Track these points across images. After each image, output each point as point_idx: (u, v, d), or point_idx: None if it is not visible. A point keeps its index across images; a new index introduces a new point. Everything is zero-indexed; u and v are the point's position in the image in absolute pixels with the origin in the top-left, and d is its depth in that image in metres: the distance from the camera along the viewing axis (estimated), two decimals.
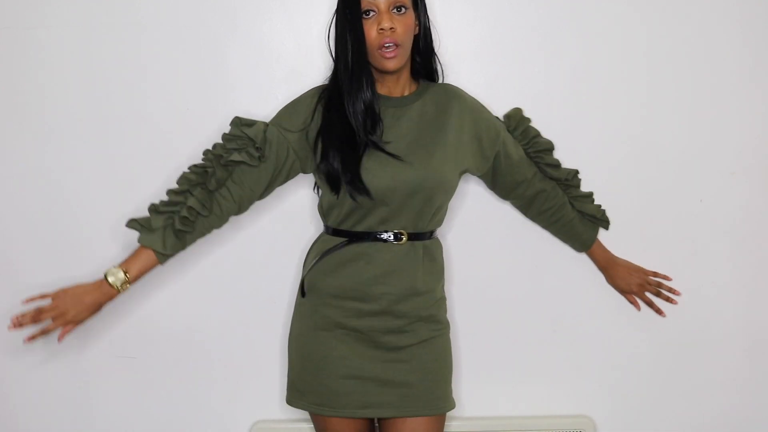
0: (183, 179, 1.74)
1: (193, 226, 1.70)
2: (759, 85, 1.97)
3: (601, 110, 1.97)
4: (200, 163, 1.74)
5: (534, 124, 1.93)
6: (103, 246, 2.03)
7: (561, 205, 1.89)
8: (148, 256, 1.70)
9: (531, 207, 1.91)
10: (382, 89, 1.70)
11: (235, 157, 1.70)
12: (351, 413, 1.69)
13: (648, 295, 2.00)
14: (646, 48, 1.95)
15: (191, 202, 1.69)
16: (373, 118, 1.66)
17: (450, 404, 1.74)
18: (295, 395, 1.75)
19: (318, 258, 1.72)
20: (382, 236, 1.67)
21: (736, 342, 2.07)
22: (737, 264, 2.04)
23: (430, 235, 1.73)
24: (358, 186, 1.62)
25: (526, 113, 1.94)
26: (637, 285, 1.98)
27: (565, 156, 1.97)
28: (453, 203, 1.91)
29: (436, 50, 1.76)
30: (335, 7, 1.68)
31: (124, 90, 1.96)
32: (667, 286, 1.99)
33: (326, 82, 1.74)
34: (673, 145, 1.99)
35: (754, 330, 2.07)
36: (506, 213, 1.99)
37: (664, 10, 1.94)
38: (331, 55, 1.71)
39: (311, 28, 1.92)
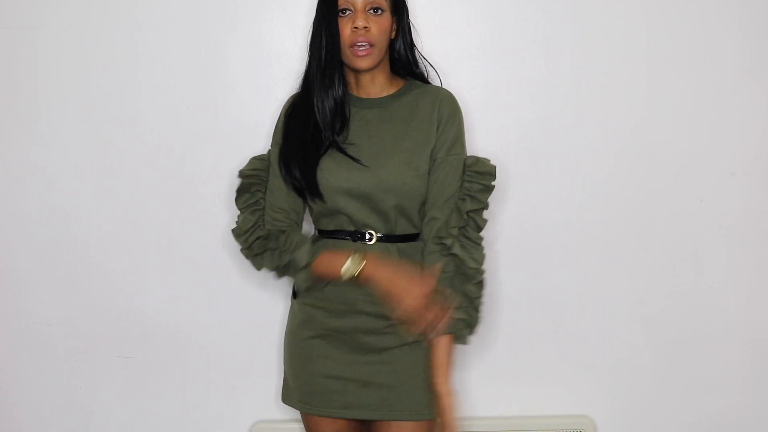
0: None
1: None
2: (759, 84, 1.97)
3: (601, 110, 1.97)
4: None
5: (534, 123, 1.93)
6: (102, 246, 2.03)
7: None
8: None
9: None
10: (357, 90, 1.70)
11: (242, 199, 1.73)
12: (332, 413, 1.69)
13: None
14: (646, 48, 1.95)
15: (267, 259, 1.71)
16: (342, 117, 1.66)
17: (435, 411, 1.69)
18: (286, 393, 1.77)
19: None
20: (351, 236, 1.67)
21: (736, 342, 2.07)
22: (737, 264, 2.04)
23: (406, 238, 1.68)
24: (310, 187, 1.64)
25: (527, 112, 1.94)
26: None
27: (566, 156, 1.98)
28: None
29: (421, 54, 1.75)
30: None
31: (124, 90, 1.96)
32: None
33: (299, 90, 1.73)
34: (673, 145, 1.99)
35: (754, 330, 2.07)
36: (506, 213, 1.99)
37: (664, 10, 1.94)
38: (308, 52, 1.69)
39: (311, 28, 1.91)
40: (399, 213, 1.66)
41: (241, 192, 1.73)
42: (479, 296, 1.67)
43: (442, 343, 1.65)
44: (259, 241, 1.70)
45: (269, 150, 1.76)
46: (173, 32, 1.94)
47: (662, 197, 2.01)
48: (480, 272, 1.66)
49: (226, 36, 1.94)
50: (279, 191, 1.72)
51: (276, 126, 1.75)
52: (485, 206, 1.68)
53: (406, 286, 1.60)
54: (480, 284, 1.67)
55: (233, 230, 1.73)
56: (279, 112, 1.75)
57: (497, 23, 1.94)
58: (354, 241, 1.66)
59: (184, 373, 2.08)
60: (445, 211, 1.66)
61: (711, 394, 2.08)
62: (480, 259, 1.66)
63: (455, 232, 1.65)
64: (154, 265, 2.03)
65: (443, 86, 1.76)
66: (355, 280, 1.62)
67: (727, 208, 2.01)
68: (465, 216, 1.65)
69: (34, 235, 2.03)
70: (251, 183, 1.73)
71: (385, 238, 1.67)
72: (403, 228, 1.68)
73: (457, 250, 1.64)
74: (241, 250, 1.74)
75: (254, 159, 1.76)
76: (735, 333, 2.07)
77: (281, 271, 1.71)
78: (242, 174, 1.73)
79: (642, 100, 1.97)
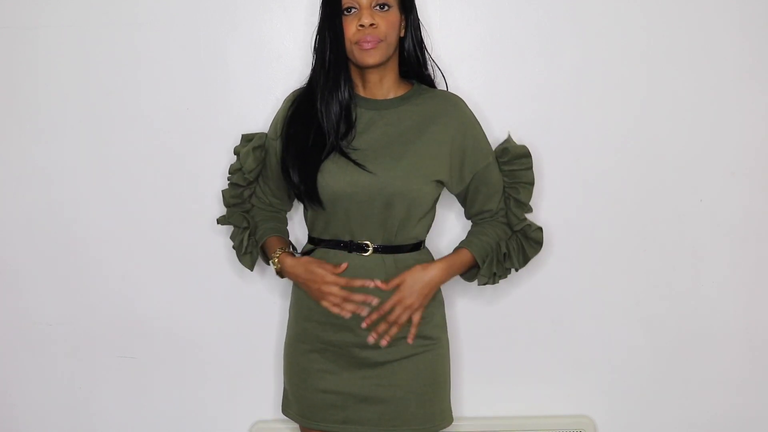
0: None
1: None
2: (759, 84, 1.97)
3: (601, 110, 1.97)
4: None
5: (534, 123, 1.93)
6: (102, 246, 2.03)
7: (497, 232, 1.75)
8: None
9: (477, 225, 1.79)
10: (364, 91, 1.65)
11: (234, 181, 1.74)
12: (331, 427, 1.67)
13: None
14: (646, 48, 1.95)
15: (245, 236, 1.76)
16: (347, 120, 1.61)
17: (440, 423, 1.68)
18: (286, 404, 1.76)
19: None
20: (347, 247, 1.62)
21: (736, 342, 2.07)
22: (737, 264, 2.04)
23: (405, 249, 1.65)
24: (309, 192, 1.59)
25: (527, 112, 1.94)
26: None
27: (566, 156, 1.98)
28: (451, 204, 1.91)
29: (429, 53, 1.71)
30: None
31: (124, 90, 1.96)
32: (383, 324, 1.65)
33: (304, 85, 1.70)
34: (673, 145, 1.99)
35: (754, 330, 2.07)
36: None
37: (664, 10, 1.94)
38: (313, 54, 1.65)
39: (311, 28, 1.91)
40: (403, 222, 1.62)
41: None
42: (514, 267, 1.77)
43: (462, 254, 1.70)
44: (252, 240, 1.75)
45: (260, 135, 1.74)
46: (173, 32, 1.94)
47: (662, 197, 2.01)
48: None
49: (226, 36, 1.94)
50: (272, 182, 1.74)
51: (276, 118, 1.72)
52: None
53: (314, 279, 1.62)
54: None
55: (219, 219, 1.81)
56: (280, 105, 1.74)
57: (497, 23, 1.94)
58: (349, 252, 1.63)
59: (183, 373, 2.08)
60: (498, 202, 1.74)
61: (711, 395, 2.08)
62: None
63: (524, 218, 1.75)
64: (154, 265, 2.03)
65: (449, 89, 1.76)
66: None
67: (727, 208, 2.01)
68: (527, 204, 1.75)
69: (34, 235, 2.03)
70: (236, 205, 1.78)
71: (381, 249, 1.63)
72: (402, 238, 1.64)
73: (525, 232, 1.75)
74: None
75: (236, 182, 1.74)
76: (735, 333, 2.07)
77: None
78: (227, 203, 1.77)
79: (642, 100, 1.97)
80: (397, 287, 1.61)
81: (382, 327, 1.62)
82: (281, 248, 1.70)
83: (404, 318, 1.62)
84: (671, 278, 2.03)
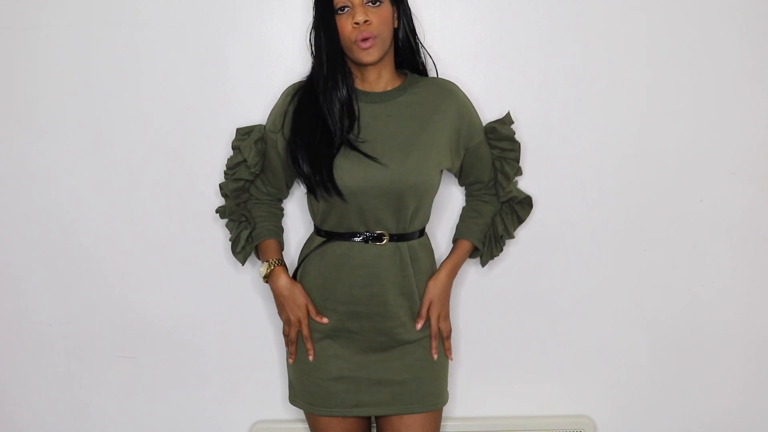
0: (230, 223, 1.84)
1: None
2: (760, 84, 1.97)
3: (602, 110, 1.97)
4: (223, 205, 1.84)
5: (534, 123, 1.93)
6: (102, 246, 2.03)
7: (490, 209, 1.84)
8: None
9: (470, 196, 1.88)
10: (362, 85, 1.68)
11: (238, 176, 1.76)
12: (343, 412, 1.70)
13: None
14: (647, 48, 1.95)
15: (243, 231, 1.81)
16: (350, 116, 1.64)
17: (444, 399, 1.75)
18: (293, 394, 1.77)
19: (303, 259, 1.74)
20: (362, 237, 1.66)
21: (736, 342, 2.07)
22: (737, 264, 2.04)
23: (415, 235, 1.71)
24: (328, 187, 1.61)
25: (527, 112, 1.94)
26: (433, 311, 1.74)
27: (566, 156, 1.98)
28: (450, 203, 1.91)
29: (421, 43, 1.74)
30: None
31: (124, 90, 1.96)
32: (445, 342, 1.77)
33: (304, 79, 1.72)
34: (674, 145, 1.99)
35: (754, 330, 2.07)
36: None
37: (665, 10, 1.94)
38: (311, 53, 1.69)
39: (311, 29, 1.91)
40: (415, 211, 1.67)
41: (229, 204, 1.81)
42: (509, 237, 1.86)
43: (463, 246, 1.80)
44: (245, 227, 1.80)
45: (259, 127, 1.75)
46: (173, 32, 1.94)
47: (662, 197, 2.01)
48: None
49: (226, 36, 1.94)
50: (269, 173, 1.76)
51: (274, 111, 1.74)
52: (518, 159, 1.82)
53: (290, 311, 1.71)
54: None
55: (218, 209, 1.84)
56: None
57: (497, 23, 1.94)
58: (366, 242, 1.66)
59: (184, 373, 2.08)
60: (490, 173, 1.81)
61: (711, 395, 2.08)
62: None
63: (510, 189, 1.81)
64: (154, 264, 2.03)
65: (439, 76, 1.78)
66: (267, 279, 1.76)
67: (727, 208, 2.01)
68: (513, 179, 1.82)
69: (34, 235, 2.03)
70: (236, 204, 1.80)
71: (396, 238, 1.67)
72: (415, 226, 1.69)
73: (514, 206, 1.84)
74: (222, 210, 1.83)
75: (240, 176, 1.76)
76: (735, 333, 2.07)
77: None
78: (227, 194, 1.79)
79: (642, 100, 1.97)
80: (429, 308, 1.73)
81: (435, 344, 1.73)
82: (278, 259, 1.76)
83: (449, 326, 1.76)
84: (671, 278, 2.03)
